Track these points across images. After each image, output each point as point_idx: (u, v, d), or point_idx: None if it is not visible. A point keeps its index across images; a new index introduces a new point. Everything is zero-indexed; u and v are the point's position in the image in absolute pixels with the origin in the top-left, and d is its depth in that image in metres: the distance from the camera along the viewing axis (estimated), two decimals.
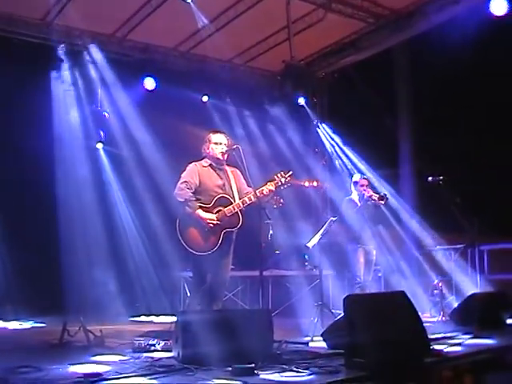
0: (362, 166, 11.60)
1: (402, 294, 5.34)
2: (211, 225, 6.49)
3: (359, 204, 9.02)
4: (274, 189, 6.54)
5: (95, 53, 10.71)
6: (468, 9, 9.41)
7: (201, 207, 6.56)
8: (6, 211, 9.53)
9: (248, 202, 6.54)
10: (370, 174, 10.55)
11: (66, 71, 10.44)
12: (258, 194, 6.40)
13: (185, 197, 6.58)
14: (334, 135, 12.82)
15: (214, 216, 6.53)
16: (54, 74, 10.36)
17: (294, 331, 7.36)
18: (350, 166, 12.04)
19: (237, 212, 6.56)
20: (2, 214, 9.47)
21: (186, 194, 6.60)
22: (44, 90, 10.25)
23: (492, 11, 8.92)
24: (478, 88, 9.99)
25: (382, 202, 8.93)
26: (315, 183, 12.21)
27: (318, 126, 13.10)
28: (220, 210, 6.57)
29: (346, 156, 12.30)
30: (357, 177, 9.40)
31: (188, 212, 6.54)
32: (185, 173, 6.80)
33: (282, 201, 6.80)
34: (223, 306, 7.05)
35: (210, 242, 6.49)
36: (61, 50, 10.34)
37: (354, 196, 9.23)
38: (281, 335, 6.01)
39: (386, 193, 9.19)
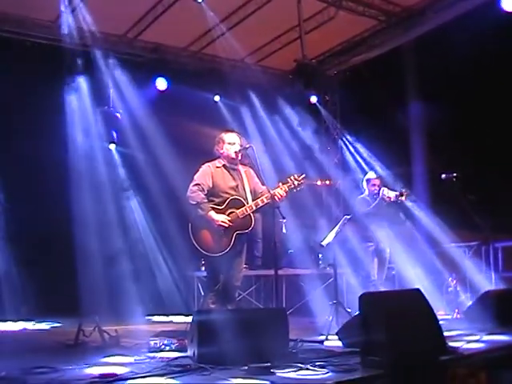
0: (374, 163, 11.55)
1: (418, 291, 5.33)
2: (224, 226, 6.51)
3: (372, 202, 9.00)
4: (287, 192, 6.53)
5: (107, 53, 10.74)
6: (479, 5, 9.38)
7: (213, 209, 6.57)
8: (21, 213, 9.58)
9: (261, 204, 6.53)
10: (383, 173, 10.49)
11: (78, 72, 10.42)
12: (271, 198, 6.38)
13: (197, 199, 6.57)
14: (345, 133, 12.81)
15: (226, 218, 6.54)
16: (66, 75, 10.36)
17: (308, 330, 7.35)
18: (362, 164, 11.99)
19: (249, 214, 6.57)
20: (16, 216, 9.53)
21: (198, 196, 6.59)
22: (56, 91, 10.26)
23: (503, 7, 8.87)
24: (490, 85, 9.92)
25: (403, 198, 8.85)
26: (328, 182, 12.17)
27: (330, 124, 13.10)
28: (232, 212, 6.58)
29: (359, 154, 12.27)
30: (370, 175, 9.37)
31: (200, 214, 6.53)
32: (197, 174, 6.78)
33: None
34: (237, 306, 7.05)
35: (223, 243, 6.48)
36: (72, 52, 10.35)
37: (367, 194, 9.21)
38: (296, 334, 6.00)
39: (405, 189, 9.06)
